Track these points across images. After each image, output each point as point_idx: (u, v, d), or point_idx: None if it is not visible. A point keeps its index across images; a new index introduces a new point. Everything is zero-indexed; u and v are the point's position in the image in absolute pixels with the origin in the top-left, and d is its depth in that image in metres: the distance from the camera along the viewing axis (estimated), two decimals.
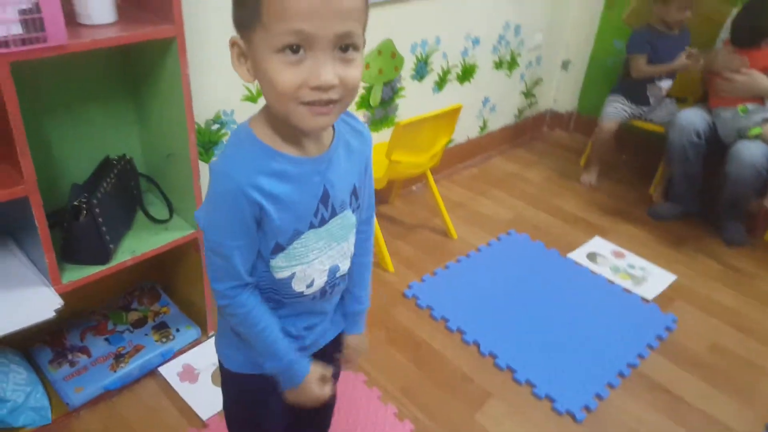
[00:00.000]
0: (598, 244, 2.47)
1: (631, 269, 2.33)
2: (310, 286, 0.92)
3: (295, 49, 0.71)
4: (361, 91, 2.29)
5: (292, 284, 0.90)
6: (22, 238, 1.45)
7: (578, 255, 2.39)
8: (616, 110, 2.78)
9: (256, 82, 0.78)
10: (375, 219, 1.06)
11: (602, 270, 2.30)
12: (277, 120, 0.80)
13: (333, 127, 0.87)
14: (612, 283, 2.24)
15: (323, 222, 0.88)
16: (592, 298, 2.15)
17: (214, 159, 0.83)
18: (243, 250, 0.85)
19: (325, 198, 0.86)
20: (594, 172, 2.94)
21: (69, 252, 1.43)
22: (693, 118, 2.46)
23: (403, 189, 2.74)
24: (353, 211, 0.94)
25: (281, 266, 0.88)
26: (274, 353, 0.92)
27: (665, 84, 2.72)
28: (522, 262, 2.34)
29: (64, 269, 1.41)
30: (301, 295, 0.92)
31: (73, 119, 1.52)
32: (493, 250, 2.40)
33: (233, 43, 0.77)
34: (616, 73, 3.08)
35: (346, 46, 0.73)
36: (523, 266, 2.31)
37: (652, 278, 2.27)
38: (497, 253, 2.38)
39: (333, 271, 0.94)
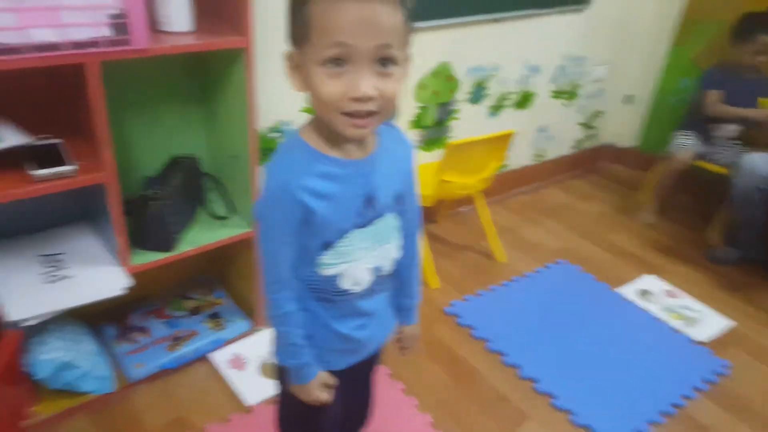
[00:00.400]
0: (650, 281, 2.42)
1: (683, 310, 2.26)
2: (356, 284, 0.99)
3: (337, 62, 0.78)
4: (415, 111, 2.38)
5: (340, 282, 0.98)
6: (99, 222, 1.62)
7: (628, 290, 2.34)
8: (688, 144, 2.72)
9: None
10: (421, 224, 1.13)
11: (653, 308, 2.24)
12: (323, 126, 0.88)
13: (376, 132, 0.95)
14: (662, 321, 2.18)
15: (368, 222, 0.95)
16: (639, 333, 2.11)
17: (267, 162, 0.95)
18: (287, 246, 0.93)
19: (368, 199, 0.94)
20: (653, 209, 2.88)
21: (138, 238, 1.58)
22: (760, 162, 2.39)
23: (452, 210, 2.79)
24: (397, 215, 1.01)
25: (329, 263, 0.95)
26: (293, 353, 1.02)
27: (733, 126, 2.66)
28: (569, 291, 2.32)
29: (133, 253, 1.56)
30: (347, 292, 1.00)
31: (148, 119, 1.70)
32: (540, 277, 2.40)
33: (287, 57, 0.86)
34: (680, 111, 3.03)
35: (384, 60, 0.79)
36: (570, 296, 2.29)
37: (706, 321, 2.20)
38: (544, 281, 2.37)
39: (377, 270, 1.01)
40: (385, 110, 0.84)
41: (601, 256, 2.59)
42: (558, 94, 2.93)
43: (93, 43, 1.21)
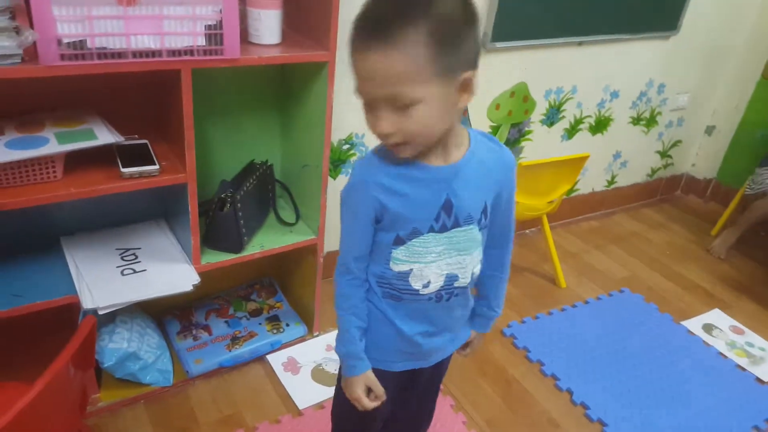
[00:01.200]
0: (716, 316, 2.33)
1: (749, 347, 2.17)
2: (426, 286, 0.99)
3: (366, 102, 0.85)
4: (487, 130, 2.36)
5: (410, 280, 0.99)
6: (174, 220, 1.68)
7: (693, 324, 2.27)
8: None
9: None
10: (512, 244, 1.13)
11: (717, 343, 2.17)
12: None
13: (469, 140, 0.96)
14: (725, 357, 2.10)
15: (444, 229, 0.96)
16: (701, 368, 2.03)
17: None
18: (358, 235, 0.98)
19: (447, 206, 0.94)
20: (729, 243, 2.75)
21: (210, 238, 1.63)
22: None
23: (517, 231, 2.74)
24: (480, 229, 1.00)
25: (401, 259, 0.98)
26: (346, 340, 1.05)
27: None
28: (631, 321, 2.25)
29: (204, 252, 1.61)
30: (417, 293, 1.00)
31: (229, 124, 1.75)
32: (602, 304, 2.33)
33: None
34: (764, 145, 2.90)
35: (400, 103, 0.81)
36: (632, 325, 2.23)
37: None
38: (606, 309, 2.31)
39: (450, 278, 1.00)
40: (418, 140, 0.86)
41: (667, 287, 2.51)
42: (636, 120, 2.84)
43: (188, 51, 1.26)
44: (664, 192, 3.30)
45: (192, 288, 1.50)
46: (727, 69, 3.00)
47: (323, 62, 1.49)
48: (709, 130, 3.18)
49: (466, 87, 0.85)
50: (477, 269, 1.04)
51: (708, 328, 2.26)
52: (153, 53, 1.23)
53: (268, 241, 1.72)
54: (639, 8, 2.44)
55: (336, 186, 2.08)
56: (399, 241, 0.96)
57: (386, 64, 0.78)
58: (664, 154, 3.13)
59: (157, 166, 1.39)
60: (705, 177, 3.27)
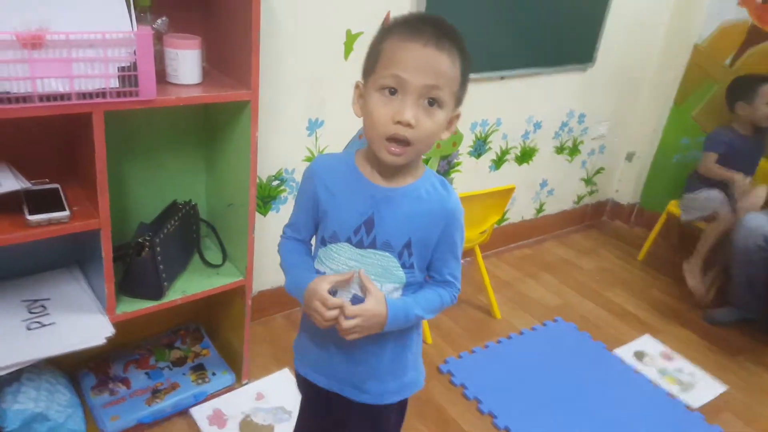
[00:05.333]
0: (647, 342, 2.39)
1: (678, 373, 2.22)
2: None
3: (391, 91, 0.90)
4: None
5: None
6: (88, 267, 1.57)
7: (625, 352, 2.31)
8: (721, 199, 2.64)
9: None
10: (454, 292, 1.09)
11: (648, 371, 2.21)
12: (367, 153, 1.00)
13: (420, 176, 1.01)
14: (657, 385, 2.14)
15: (360, 245, 1.00)
16: (634, 398, 2.07)
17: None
18: (300, 213, 1.08)
19: (369, 223, 0.99)
20: (699, 271, 2.71)
21: (126, 285, 1.53)
22: (761, 221, 2.37)
23: None
24: (402, 266, 1.01)
25: (321, 260, 1.05)
26: (285, 271, 1.09)
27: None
28: (566, 351, 2.28)
29: (120, 300, 1.51)
30: None
31: (150, 164, 1.67)
32: (537, 335, 2.35)
33: (356, 85, 0.98)
34: (681, 169, 3.06)
35: (431, 99, 0.91)
36: (567, 356, 2.25)
37: (701, 386, 2.16)
38: (541, 339, 2.33)
39: (355, 301, 0.99)
40: (419, 145, 0.93)
41: (599, 314, 2.56)
42: (560, 149, 2.94)
43: (101, 94, 1.19)
44: (591, 218, 3.41)
45: (105, 341, 1.40)
46: (642, 96, 3.16)
47: (245, 101, 1.45)
48: (630, 157, 3.32)
49: (453, 121, 0.98)
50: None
51: (639, 355, 2.30)
52: (62, 96, 1.15)
53: (191, 285, 1.63)
54: (557, 42, 2.55)
55: (267, 223, 2.03)
56: (322, 241, 1.04)
57: (440, 60, 0.89)
58: (588, 182, 3.25)
59: (67, 213, 1.30)
60: (628, 202, 3.41)
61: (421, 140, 0.92)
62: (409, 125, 0.89)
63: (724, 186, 2.66)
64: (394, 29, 0.92)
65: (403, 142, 0.91)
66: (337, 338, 1.01)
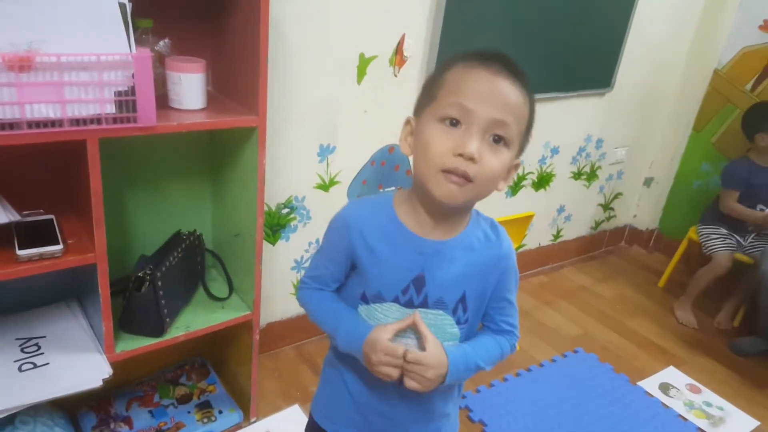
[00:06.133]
0: (672, 374, 2.29)
1: (707, 407, 2.12)
2: None
3: (454, 122, 0.80)
4: None
5: None
6: (87, 302, 1.49)
7: (649, 384, 2.21)
8: (723, 242, 2.60)
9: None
10: (513, 341, 1.00)
11: (675, 404, 2.11)
12: (414, 196, 0.89)
13: (468, 222, 0.91)
14: (685, 420, 2.03)
15: (410, 304, 0.89)
16: None
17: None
18: (322, 262, 0.96)
19: (418, 282, 0.88)
20: (691, 308, 2.70)
21: (127, 321, 1.45)
22: None
23: None
24: (457, 322, 0.91)
25: (363, 318, 0.92)
26: (330, 326, 0.95)
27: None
28: (588, 384, 2.17)
29: (119, 337, 1.43)
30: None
31: (152, 193, 1.60)
32: (557, 367, 2.25)
33: (407, 122, 0.89)
34: (701, 195, 2.99)
35: (498, 137, 0.81)
36: (590, 389, 2.14)
37: (731, 421, 2.06)
38: (562, 372, 2.23)
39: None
40: (480, 186, 0.81)
41: (620, 344, 2.46)
42: (577, 175, 2.86)
43: (96, 120, 1.12)
44: (608, 244, 3.32)
45: (102, 384, 1.31)
46: (660, 122, 3.08)
47: (252, 127, 1.38)
48: (648, 182, 3.25)
49: (512, 171, 0.87)
50: None
51: (665, 387, 2.20)
52: (53, 123, 1.08)
53: (195, 320, 1.55)
54: (575, 67, 2.49)
55: (275, 252, 1.95)
56: (364, 299, 0.92)
57: (511, 93, 0.81)
58: (606, 207, 3.15)
59: (60, 246, 1.22)
60: (647, 228, 3.32)
61: (484, 180, 0.80)
62: (472, 159, 0.78)
63: (742, 224, 2.59)
64: (458, 59, 0.84)
65: (464, 177, 0.79)
66: (391, 395, 0.93)
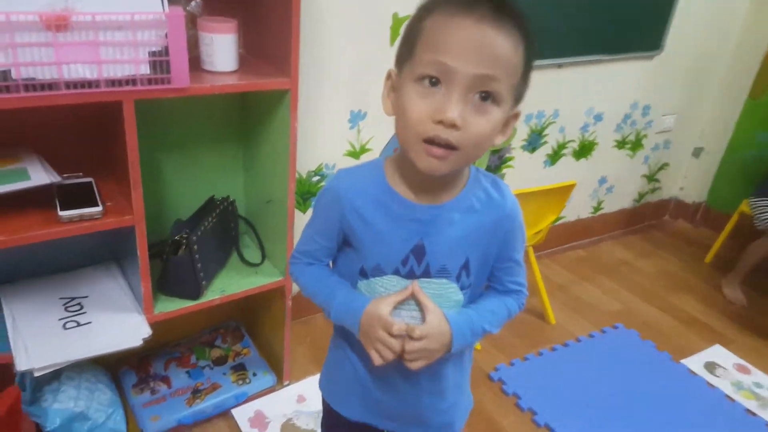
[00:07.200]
0: (718, 353, 2.20)
1: (757, 388, 2.03)
2: None
3: (433, 81, 0.71)
4: None
5: None
6: (126, 264, 1.53)
7: (694, 362, 2.12)
8: None
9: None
10: (521, 300, 0.95)
11: (721, 384, 2.02)
12: (401, 159, 0.82)
13: (466, 181, 0.85)
14: (732, 400, 1.96)
15: (411, 275, 0.84)
16: (707, 414, 1.89)
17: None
18: (317, 240, 0.91)
19: (419, 251, 0.83)
20: (740, 286, 2.57)
21: (164, 283, 1.48)
22: None
23: None
24: (462, 288, 0.87)
25: (361, 293, 0.88)
26: (326, 292, 0.91)
27: None
28: (628, 361, 2.11)
29: (157, 299, 1.46)
30: None
31: (185, 158, 1.61)
32: (595, 342, 2.19)
33: (388, 75, 0.80)
34: (755, 167, 2.81)
35: (485, 94, 0.71)
36: (629, 366, 2.08)
37: None
38: (600, 347, 2.17)
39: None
40: (467, 151, 0.74)
41: (663, 321, 2.37)
42: (621, 144, 2.75)
43: (131, 81, 1.13)
44: (652, 217, 3.20)
45: (142, 343, 1.34)
46: (713, 88, 2.93)
47: (285, 90, 1.37)
48: (697, 152, 3.10)
49: (510, 123, 0.79)
50: None
51: (711, 366, 2.12)
52: (89, 84, 1.09)
53: (230, 284, 1.57)
54: (621, 28, 2.36)
55: (306, 220, 1.95)
56: (363, 273, 0.87)
57: (498, 42, 0.69)
58: (651, 178, 3.04)
59: (99, 208, 1.25)
60: (694, 201, 3.18)
61: (470, 146, 0.72)
62: (453, 125, 0.70)
63: None
64: (438, 2, 0.72)
65: (446, 146, 0.72)
66: (402, 369, 0.86)
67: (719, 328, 2.36)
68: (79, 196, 1.28)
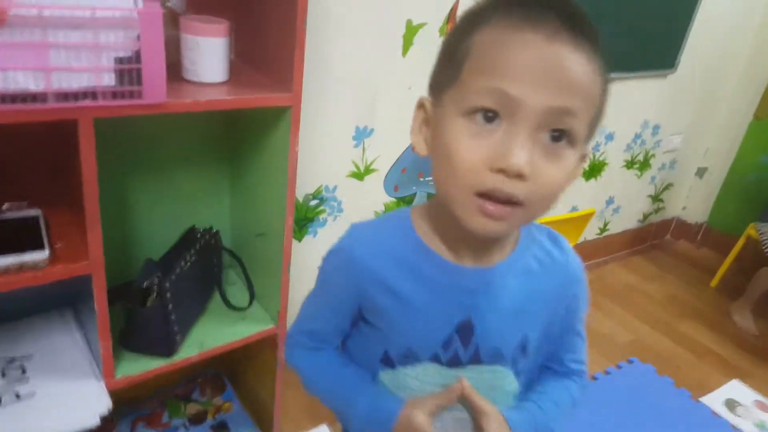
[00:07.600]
0: (737, 389, 2.07)
1: None
2: None
3: (489, 116, 0.54)
4: None
5: None
6: (83, 312, 1.26)
7: (714, 401, 2.00)
8: None
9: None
10: (583, 382, 0.77)
11: (743, 424, 1.89)
12: (439, 212, 0.64)
13: (518, 237, 0.68)
14: None
15: (455, 363, 0.66)
16: None
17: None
18: (317, 312, 0.74)
19: (465, 330, 0.65)
20: (750, 312, 2.45)
21: (129, 338, 1.21)
22: None
23: None
24: (517, 375, 0.68)
25: (387, 388, 0.69)
26: (342, 389, 0.72)
27: None
28: (648, 401, 1.96)
29: (121, 358, 1.19)
30: None
31: (161, 183, 1.35)
32: (612, 380, 2.04)
33: (420, 105, 0.63)
34: (757, 189, 2.73)
35: (558, 133, 0.54)
36: (650, 407, 1.94)
37: None
38: (617, 386, 2.01)
39: (457, 426, 0.67)
40: (534, 208, 0.57)
41: (677, 353, 2.24)
42: (630, 163, 2.60)
43: (89, 94, 0.86)
44: (654, 237, 3.08)
45: (99, 421, 1.08)
46: (720, 109, 2.82)
47: (285, 107, 1.12)
48: (701, 173, 3.01)
49: (579, 165, 0.60)
50: None
51: (731, 404, 1.99)
52: (34, 97, 0.83)
53: (210, 336, 1.31)
54: (636, 45, 2.22)
55: (301, 250, 1.71)
56: (388, 362, 0.69)
57: (575, 66, 0.52)
58: (656, 198, 2.91)
59: (45, 253, 0.97)
60: (696, 221, 3.08)
61: (538, 201, 0.56)
62: (520, 175, 0.53)
63: None
64: (490, 11, 0.55)
65: (507, 202, 0.55)
66: None
67: (734, 361, 2.24)
68: (21, 236, 1.00)
